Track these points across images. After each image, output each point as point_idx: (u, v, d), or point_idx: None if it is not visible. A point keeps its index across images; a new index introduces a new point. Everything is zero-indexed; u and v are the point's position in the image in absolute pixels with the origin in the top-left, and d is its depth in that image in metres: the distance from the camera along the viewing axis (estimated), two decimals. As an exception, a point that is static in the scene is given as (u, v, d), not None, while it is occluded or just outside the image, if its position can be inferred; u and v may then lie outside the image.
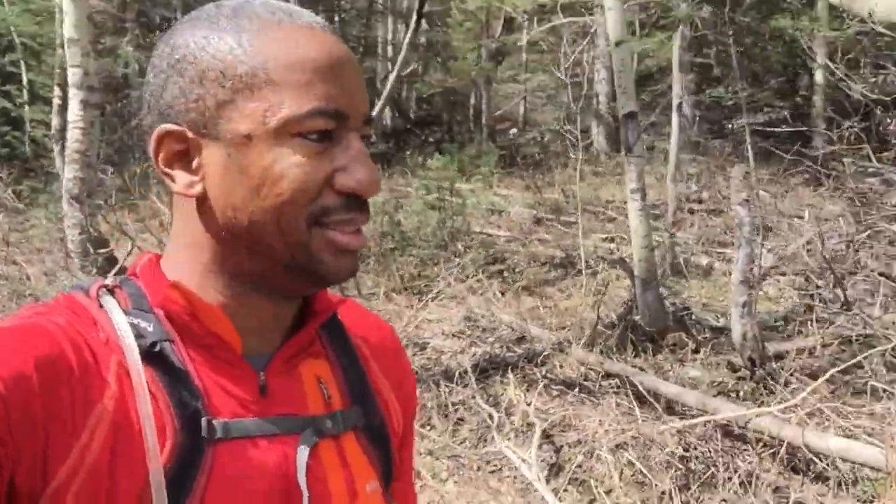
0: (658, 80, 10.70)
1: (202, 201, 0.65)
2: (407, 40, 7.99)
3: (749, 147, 5.32)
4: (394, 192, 8.08)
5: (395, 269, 6.15)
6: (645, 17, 9.88)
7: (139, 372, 0.61)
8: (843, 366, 3.90)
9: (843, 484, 3.37)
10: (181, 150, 0.65)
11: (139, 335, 0.63)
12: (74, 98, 6.27)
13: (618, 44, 4.73)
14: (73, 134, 6.16)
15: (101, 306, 0.65)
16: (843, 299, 4.90)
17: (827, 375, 3.70)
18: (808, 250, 6.51)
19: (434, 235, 6.57)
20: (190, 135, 0.64)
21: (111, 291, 0.67)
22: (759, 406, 3.98)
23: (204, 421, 0.62)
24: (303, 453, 0.65)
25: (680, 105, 6.64)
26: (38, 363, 0.57)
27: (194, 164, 0.65)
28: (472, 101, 13.33)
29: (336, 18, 12.84)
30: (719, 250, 6.87)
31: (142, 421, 0.60)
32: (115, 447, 0.59)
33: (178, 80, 0.65)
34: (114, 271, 5.32)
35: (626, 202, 8.57)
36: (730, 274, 6.20)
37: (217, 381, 0.65)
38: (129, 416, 0.60)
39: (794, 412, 3.60)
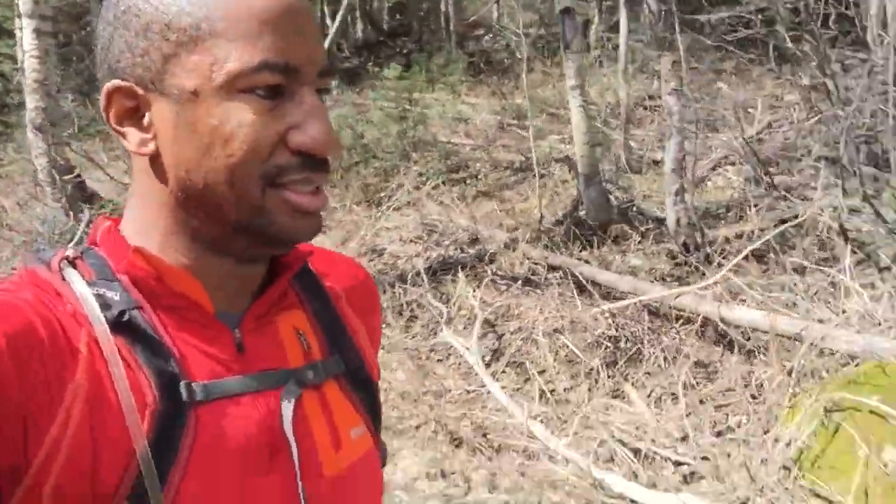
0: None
1: (155, 160, 0.64)
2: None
3: (679, 38, 5.37)
4: (358, 106, 8.15)
5: (357, 181, 6.33)
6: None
7: (110, 343, 0.60)
8: (756, 244, 4.13)
9: (755, 352, 3.67)
10: (132, 107, 0.63)
11: (106, 305, 0.61)
12: (28, 27, 6.30)
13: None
14: (30, 63, 6.22)
15: (63, 279, 0.63)
16: (770, 184, 5.11)
17: (743, 254, 3.95)
18: (758, 139, 6.68)
19: (395, 146, 6.71)
20: (139, 91, 0.62)
21: (73, 263, 0.65)
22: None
23: (182, 384, 0.61)
24: (287, 406, 0.65)
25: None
26: (10, 341, 0.56)
27: (145, 121, 0.63)
28: (443, 8, 13.12)
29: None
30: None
31: (118, 392, 0.59)
32: (94, 422, 0.58)
33: (123, 34, 0.62)
34: (90, 217, 5.48)
35: (591, 103, 8.68)
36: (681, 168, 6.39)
37: (192, 344, 0.64)
38: (105, 389, 0.59)
39: (712, 290, 3.87)
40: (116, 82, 0.63)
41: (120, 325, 0.61)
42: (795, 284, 3.81)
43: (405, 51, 13.50)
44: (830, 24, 4.99)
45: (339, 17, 8.39)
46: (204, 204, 0.63)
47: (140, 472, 0.58)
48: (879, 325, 3.36)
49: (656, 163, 6.65)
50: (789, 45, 4.94)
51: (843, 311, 3.40)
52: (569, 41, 4.85)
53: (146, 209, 0.66)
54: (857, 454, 2.70)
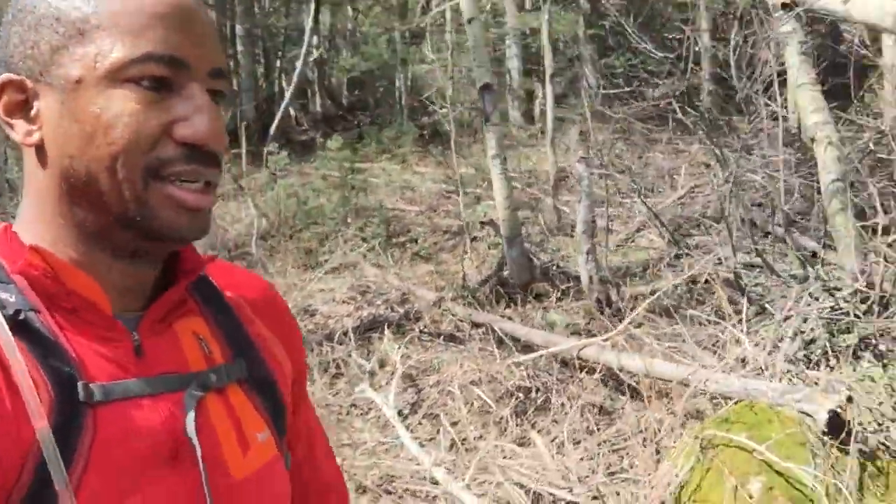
0: (562, 52, 11.15)
1: (41, 150, 0.64)
2: (308, 27, 8.33)
3: (587, 110, 5.77)
4: (305, 175, 8.43)
5: (297, 246, 6.54)
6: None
7: (9, 338, 0.59)
8: (651, 299, 4.38)
9: (650, 397, 3.87)
10: (22, 100, 0.64)
11: (0, 306, 0.61)
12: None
13: (469, 21, 5.15)
14: (-22, 137, 6.45)
15: None
16: (674, 242, 5.41)
17: (640, 308, 4.20)
18: (681, 204, 7.06)
19: (336, 212, 6.96)
20: (29, 84, 0.64)
21: None
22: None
23: (80, 385, 0.60)
24: (190, 408, 0.65)
25: (553, 75, 7.10)
26: None
27: (33, 111, 0.64)
28: (398, 84, 13.67)
29: (256, 8, 13.07)
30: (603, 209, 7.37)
31: (18, 384, 0.58)
32: None
33: (18, 30, 0.65)
34: None
35: (528, 171, 9.06)
36: (609, 230, 6.72)
37: (90, 347, 0.63)
38: None
39: (614, 341, 4.08)
40: (8, 75, 0.65)
41: (15, 326, 0.60)
42: (682, 335, 4.04)
43: (362, 124, 13.98)
44: (702, 98, 5.41)
45: (290, 91, 8.78)
46: (87, 194, 0.63)
47: (37, 468, 0.56)
48: (761, 369, 3.60)
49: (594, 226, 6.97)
50: (681, 116, 5.32)
51: (723, 358, 3.63)
52: (489, 115, 5.18)
53: (34, 202, 0.66)
54: (727, 486, 2.88)
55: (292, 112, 14.19)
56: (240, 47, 12.70)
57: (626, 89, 6.89)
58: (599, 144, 6.47)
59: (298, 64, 8.22)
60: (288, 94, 8.45)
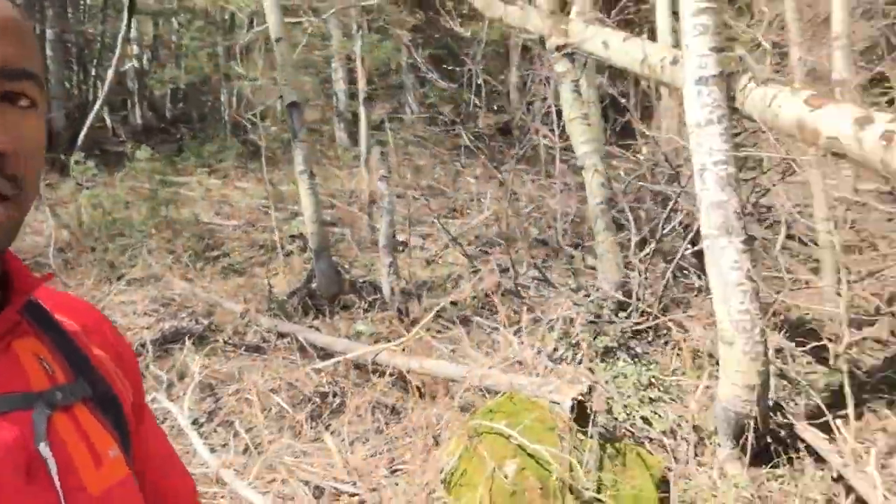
0: (387, 76, 11.57)
1: None
2: (121, 36, 8.10)
3: (389, 133, 6.14)
4: (114, 186, 8.15)
5: (100, 258, 6.33)
6: (370, 19, 10.64)
7: None
8: (436, 309, 4.76)
9: (436, 396, 4.19)
10: None
11: None
12: None
13: (277, 40, 5.32)
14: None
15: None
16: (466, 255, 5.87)
17: (429, 317, 4.55)
18: (486, 225, 7.61)
19: (144, 224, 6.81)
20: None
21: None
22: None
23: None
24: (40, 425, 0.64)
25: (366, 98, 7.42)
26: None
27: None
28: (223, 98, 13.46)
29: (69, 13, 12.40)
30: (419, 229, 7.77)
31: None
32: None
33: None
34: None
35: (350, 191, 9.29)
36: (420, 248, 7.09)
37: None
38: None
39: (406, 346, 4.39)
40: None
41: None
42: (461, 339, 4.43)
43: (184, 137, 13.60)
44: (480, 126, 5.95)
45: (100, 99, 8.46)
46: None
47: None
48: (530, 366, 4.04)
49: (405, 244, 7.31)
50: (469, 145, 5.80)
51: (499, 358, 4.04)
52: (297, 132, 5.35)
53: None
54: (487, 469, 3.23)
55: (109, 122, 13.53)
56: (49, 52, 11.97)
57: (425, 115, 7.35)
58: (398, 165, 6.82)
59: (110, 73, 7.93)
60: (98, 103, 8.12)
